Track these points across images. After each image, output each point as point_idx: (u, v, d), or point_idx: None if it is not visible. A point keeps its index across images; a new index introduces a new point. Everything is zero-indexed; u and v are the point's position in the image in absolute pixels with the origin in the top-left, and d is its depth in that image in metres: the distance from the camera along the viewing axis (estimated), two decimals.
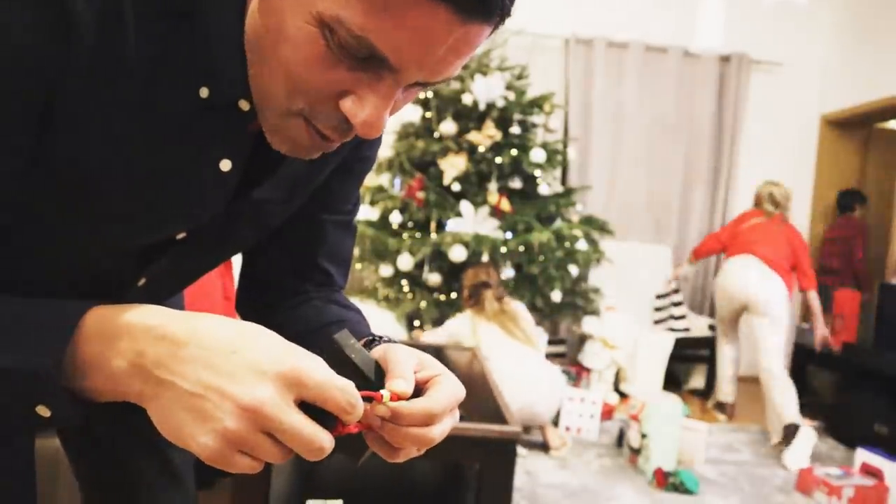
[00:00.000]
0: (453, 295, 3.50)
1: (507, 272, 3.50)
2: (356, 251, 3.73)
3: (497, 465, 1.54)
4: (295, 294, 0.77)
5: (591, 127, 4.65)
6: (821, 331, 3.55)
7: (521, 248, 3.44)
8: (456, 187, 3.65)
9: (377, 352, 0.55)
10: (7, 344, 0.42)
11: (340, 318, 0.72)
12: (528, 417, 2.78)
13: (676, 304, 4.38)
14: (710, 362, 4.25)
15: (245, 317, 0.80)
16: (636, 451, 2.76)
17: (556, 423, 3.07)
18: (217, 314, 0.45)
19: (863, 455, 2.69)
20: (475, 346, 2.83)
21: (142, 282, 0.64)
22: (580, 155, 4.58)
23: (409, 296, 3.54)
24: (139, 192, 0.54)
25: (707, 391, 4.24)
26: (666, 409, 2.69)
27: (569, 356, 4.14)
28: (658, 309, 4.47)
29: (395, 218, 3.62)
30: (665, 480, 2.57)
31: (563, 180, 4.59)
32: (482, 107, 3.66)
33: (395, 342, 0.59)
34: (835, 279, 4.41)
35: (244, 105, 0.54)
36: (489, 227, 3.54)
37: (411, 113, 3.74)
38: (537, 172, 3.77)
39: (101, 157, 0.50)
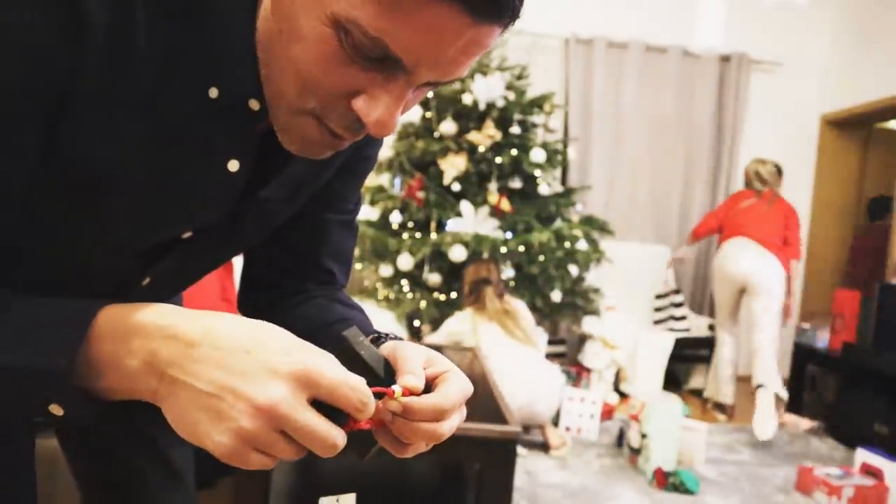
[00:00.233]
0: (453, 295, 3.50)
1: (507, 272, 3.50)
2: (356, 251, 3.73)
3: (497, 465, 1.54)
4: (298, 293, 0.77)
5: (591, 127, 4.65)
6: (786, 300, 3.64)
7: (521, 248, 3.44)
8: (456, 187, 3.65)
9: (385, 349, 0.56)
10: (21, 343, 0.42)
11: (344, 317, 0.72)
12: (528, 417, 2.78)
13: (676, 305, 4.38)
14: (710, 362, 4.25)
15: (248, 316, 0.80)
16: (636, 451, 2.76)
17: (556, 422, 3.07)
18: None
19: (863, 455, 2.69)
20: (475, 344, 2.83)
21: (146, 281, 0.64)
22: (580, 155, 4.58)
23: (409, 296, 3.54)
24: (147, 191, 0.54)
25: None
26: (666, 409, 2.69)
27: (569, 356, 4.14)
28: (658, 309, 4.47)
29: (395, 218, 3.62)
30: (665, 480, 2.57)
31: (563, 180, 4.59)
32: (482, 107, 3.66)
33: (401, 339, 0.59)
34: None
35: (254, 105, 0.54)
36: (489, 227, 3.54)
37: (411, 113, 3.74)
38: (537, 172, 3.77)
39: (110, 157, 0.50)
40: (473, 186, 3.68)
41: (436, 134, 3.72)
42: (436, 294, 3.52)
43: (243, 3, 0.51)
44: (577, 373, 3.80)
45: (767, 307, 3.52)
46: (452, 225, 3.51)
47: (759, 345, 3.50)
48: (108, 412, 0.46)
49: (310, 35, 0.46)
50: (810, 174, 4.90)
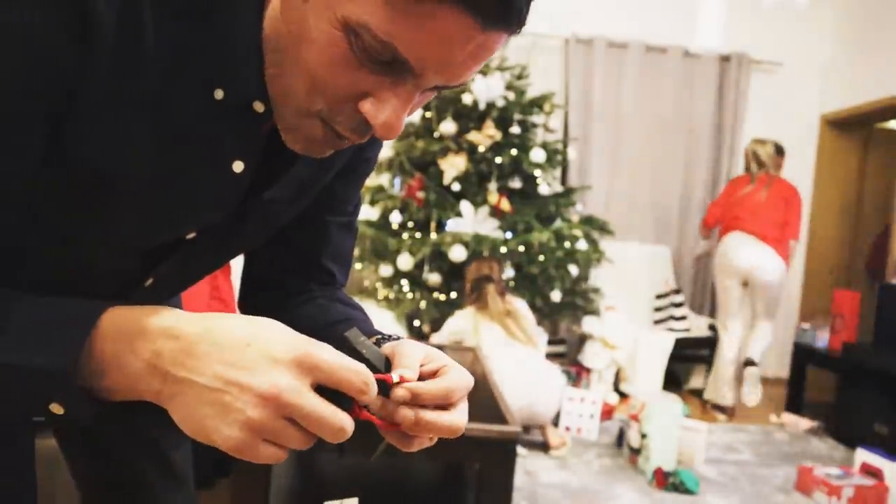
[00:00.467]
0: (453, 295, 3.50)
1: (508, 272, 3.50)
2: (356, 251, 3.74)
3: (497, 465, 1.54)
4: (299, 293, 0.78)
5: (591, 127, 4.65)
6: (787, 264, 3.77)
7: (521, 248, 3.44)
8: (456, 187, 3.65)
9: (386, 349, 0.57)
10: (24, 342, 0.43)
11: (346, 317, 0.73)
12: (529, 417, 2.78)
13: (676, 305, 4.38)
14: (711, 362, 4.25)
15: (248, 312, 0.81)
16: (636, 451, 2.76)
17: (555, 423, 3.07)
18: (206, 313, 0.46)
19: (863, 455, 2.69)
20: (476, 344, 2.83)
21: (149, 281, 0.64)
22: (580, 155, 4.58)
23: (409, 296, 3.54)
24: (152, 192, 0.54)
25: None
26: (666, 409, 2.69)
27: (569, 356, 4.14)
28: (658, 309, 4.47)
29: (395, 218, 3.62)
30: (665, 480, 2.57)
31: (563, 180, 4.59)
32: (482, 107, 3.66)
33: (402, 339, 0.60)
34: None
35: (259, 107, 0.54)
36: (489, 227, 3.54)
37: None
38: (537, 172, 3.77)
39: (116, 157, 0.51)
40: (473, 186, 3.67)
41: (436, 134, 3.72)
42: (436, 294, 3.52)
43: (250, 4, 0.52)
44: (577, 373, 3.80)
45: (767, 301, 3.71)
46: (452, 225, 3.51)
47: (758, 333, 3.75)
48: (107, 412, 0.46)
49: (320, 38, 0.47)
50: (810, 174, 4.90)
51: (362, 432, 0.50)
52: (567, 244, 3.60)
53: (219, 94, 0.52)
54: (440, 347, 2.68)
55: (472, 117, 3.71)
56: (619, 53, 4.67)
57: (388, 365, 0.54)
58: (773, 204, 3.70)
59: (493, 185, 3.65)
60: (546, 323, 3.80)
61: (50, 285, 0.54)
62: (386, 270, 3.62)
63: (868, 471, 2.64)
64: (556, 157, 3.89)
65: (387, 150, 3.92)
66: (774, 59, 4.81)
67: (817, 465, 2.75)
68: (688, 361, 4.33)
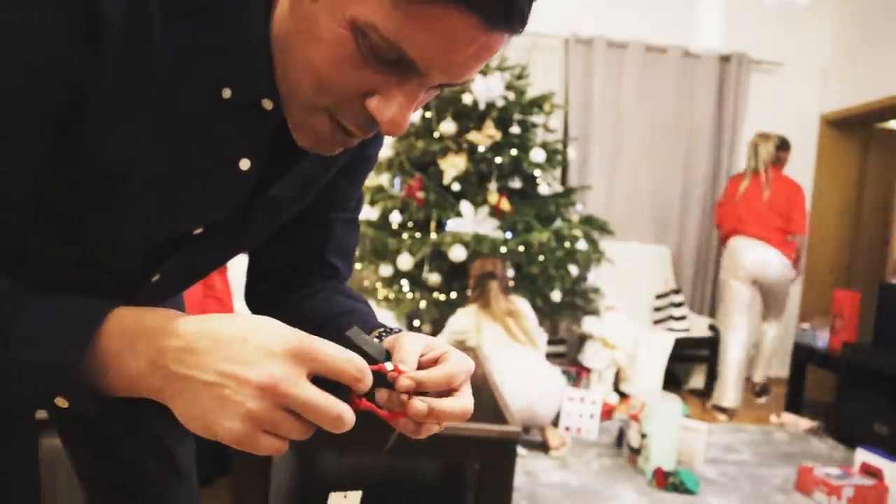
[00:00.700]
0: (453, 295, 3.50)
1: (509, 271, 3.51)
2: (356, 251, 3.73)
3: (497, 465, 1.54)
4: (303, 287, 0.80)
5: (591, 127, 4.65)
6: (795, 274, 3.88)
7: (521, 248, 3.44)
8: (456, 187, 3.65)
9: (388, 342, 0.59)
10: (32, 339, 0.44)
11: (350, 309, 0.74)
12: (529, 418, 2.78)
13: (676, 305, 4.38)
14: (710, 362, 4.25)
15: (255, 311, 0.82)
16: (636, 451, 2.76)
17: (555, 423, 3.07)
18: (199, 306, 0.47)
19: (862, 455, 2.69)
20: (478, 344, 2.83)
21: (156, 278, 0.65)
22: (580, 155, 4.58)
23: (409, 296, 3.54)
24: (160, 189, 0.55)
25: (707, 391, 4.24)
26: (666, 409, 2.69)
27: (569, 356, 4.14)
28: (658, 309, 4.47)
29: (395, 218, 3.62)
30: (665, 480, 2.57)
31: (563, 180, 4.59)
32: (482, 107, 3.66)
33: (403, 332, 0.62)
34: None
35: (267, 104, 0.55)
36: (489, 227, 3.54)
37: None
38: (537, 172, 3.77)
39: (124, 156, 0.52)
40: (473, 186, 3.67)
41: (436, 134, 3.72)
42: (435, 294, 3.52)
43: (258, 4, 0.53)
44: (577, 373, 3.80)
45: (776, 302, 3.84)
46: (452, 225, 3.51)
47: (767, 335, 3.95)
48: (111, 407, 0.48)
49: (328, 37, 0.48)
50: (810, 174, 4.90)
51: (364, 430, 0.52)
52: (567, 244, 3.60)
53: (226, 92, 0.53)
54: None
55: (472, 117, 3.71)
56: (619, 53, 4.67)
57: (389, 359, 0.55)
58: (775, 203, 3.73)
59: (493, 185, 3.65)
60: (546, 323, 3.80)
61: (59, 281, 0.55)
62: (386, 270, 3.62)
63: (868, 471, 2.64)
64: (556, 157, 3.89)
65: (387, 150, 3.92)
66: (774, 59, 4.81)
67: (817, 465, 2.75)
68: (688, 361, 4.33)
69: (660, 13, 4.73)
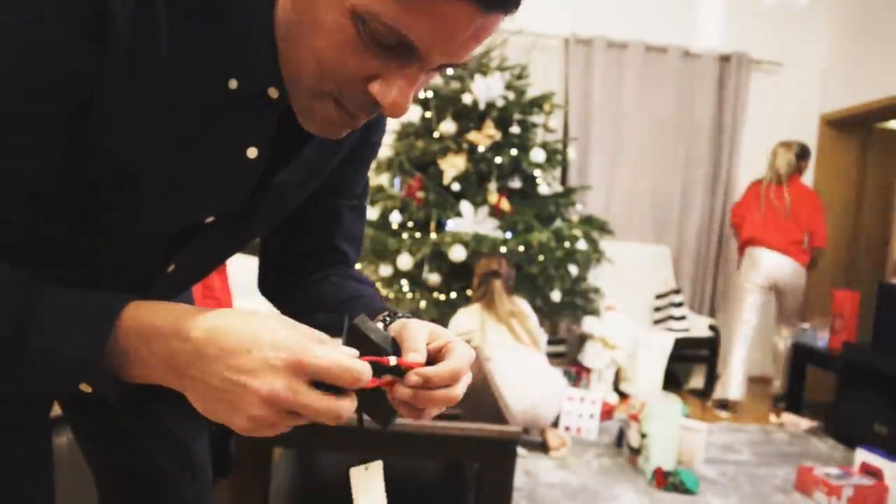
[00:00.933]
0: (453, 295, 3.50)
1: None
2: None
3: (497, 465, 1.54)
4: (314, 273, 0.83)
5: (591, 127, 4.65)
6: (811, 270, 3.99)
7: (521, 248, 3.44)
8: (456, 187, 3.65)
9: (394, 327, 0.62)
10: (55, 332, 0.48)
11: (358, 294, 0.77)
12: (531, 420, 2.78)
13: (676, 305, 4.38)
14: (710, 362, 4.25)
15: (268, 296, 0.86)
16: (636, 451, 2.76)
17: (555, 423, 3.07)
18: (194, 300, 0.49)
19: (862, 455, 2.69)
20: (481, 344, 2.82)
21: (171, 268, 0.68)
22: (580, 155, 4.58)
23: (409, 296, 3.54)
24: (172, 179, 0.57)
25: (707, 391, 4.24)
26: (666, 409, 2.69)
27: (569, 356, 4.14)
28: (658, 309, 4.47)
29: (395, 218, 3.62)
30: (665, 480, 2.57)
31: (563, 180, 4.59)
32: (482, 106, 3.66)
33: (409, 317, 0.65)
34: None
35: (273, 93, 0.57)
36: (489, 227, 3.54)
37: (411, 113, 3.74)
38: (537, 172, 3.77)
39: (136, 150, 0.54)
40: (473, 186, 3.67)
41: (435, 134, 3.72)
42: (435, 294, 3.52)
43: (262, 1, 0.54)
44: (576, 373, 3.80)
45: (789, 308, 3.95)
46: (452, 225, 3.51)
47: (779, 340, 4.04)
48: (131, 392, 0.51)
49: (330, 25, 0.50)
50: (810, 174, 4.90)
51: (380, 406, 0.58)
52: (567, 244, 3.60)
53: (233, 84, 0.55)
54: None
55: (471, 117, 3.71)
56: (619, 53, 4.67)
57: (394, 345, 0.58)
58: (797, 216, 3.85)
59: (492, 185, 3.65)
60: (546, 323, 3.80)
61: (77, 273, 0.59)
62: (386, 270, 3.62)
63: (868, 471, 2.64)
64: (555, 157, 3.89)
65: (387, 150, 3.92)
66: (774, 59, 4.81)
67: (817, 465, 2.75)
68: (688, 361, 4.33)
69: (660, 13, 4.73)
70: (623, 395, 3.86)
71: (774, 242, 3.88)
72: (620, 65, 4.68)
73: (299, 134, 0.60)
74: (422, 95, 3.76)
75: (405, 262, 3.44)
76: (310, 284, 0.81)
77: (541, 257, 3.49)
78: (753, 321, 3.96)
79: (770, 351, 4.39)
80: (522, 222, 3.55)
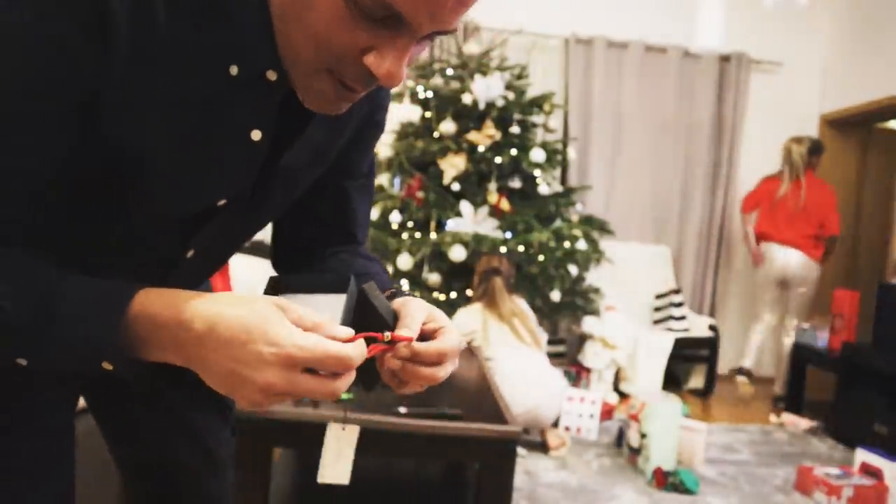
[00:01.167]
0: (453, 294, 3.50)
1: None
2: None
3: (497, 465, 1.54)
4: (324, 252, 0.86)
5: (591, 127, 4.65)
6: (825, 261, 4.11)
7: (521, 248, 3.44)
8: (455, 187, 3.64)
9: (397, 303, 0.66)
10: (74, 318, 0.52)
11: (366, 271, 0.81)
12: (532, 420, 2.78)
13: (676, 305, 4.38)
14: (710, 362, 4.25)
15: (283, 271, 0.90)
16: (636, 451, 2.76)
17: (555, 423, 3.07)
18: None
19: (862, 455, 2.69)
20: (483, 344, 2.82)
21: (190, 253, 0.70)
22: (580, 155, 4.58)
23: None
24: (182, 166, 0.60)
25: (707, 391, 4.24)
26: (666, 409, 2.69)
27: (568, 356, 4.14)
28: (658, 309, 4.47)
29: (395, 218, 3.62)
30: (665, 480, 2.57)
31: (563, 180, 4.59)
32: (482, 106, 3.66)
33: (411, 298, 0.69)
34: None
35: (272, 75, 0.59)
36: (489, 227, 3.54)
37: (411, 113, 3.74)
38: (537, 172, 3.77)
39: (144, 139, 0.57)
40: (473, 186, 3.67)
41: (435, 134, 3.72)
42: (435, 294, 3.52)
43: None
44: (576, 373, 3.80)
45: (800, 301, 4.07)
46: (452, 225, 3.51)
47: (784, 338, 4.12)
48: (148, 370, 0.56)
49: (321, 3, 0.52)
50: None
51: (368, 372, 0.63)
52: (567, 244, 3.60)
53: (233, 70, 0.57)
54: None
55: (471, 117, 3.71)
56: (619, 53, 4.67)
57: (395, 317, 0.63)
58: (810, 210, 3.97)
59: (492, 185, 3.65)
60: (546, 323, 3.80)
61: (100, 261, 0.63)
62: None
63: (868, 471, 2.64)
64: (555, 157, 3.88)
65: (387, 150, 3.92)
66: (774, 59, 4.81)
67: (817, 465, 2.75)
68: (688, 361, 4.33)
69: (660, 13, 4.73)
70: (623, 395, 3.86)
71: (785, 237, 4.02)
72: (620, 65, 4.68)
73: (301, 115, 0.63)
74: (422, 95, 3.77)
75: (405, 262, 3.44)
76: (320, 262, 0.85)
77: (541, 257, 3.49)
78: (768, 316, 4.17)
79: (769, 351, 4.40)
80: (522, 222, 3.55)
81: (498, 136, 3.64)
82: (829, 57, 4.83)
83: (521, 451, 2.82)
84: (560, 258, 3.57)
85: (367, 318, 0.59)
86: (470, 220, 3.53)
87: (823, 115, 4.84)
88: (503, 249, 3.37)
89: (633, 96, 4.68)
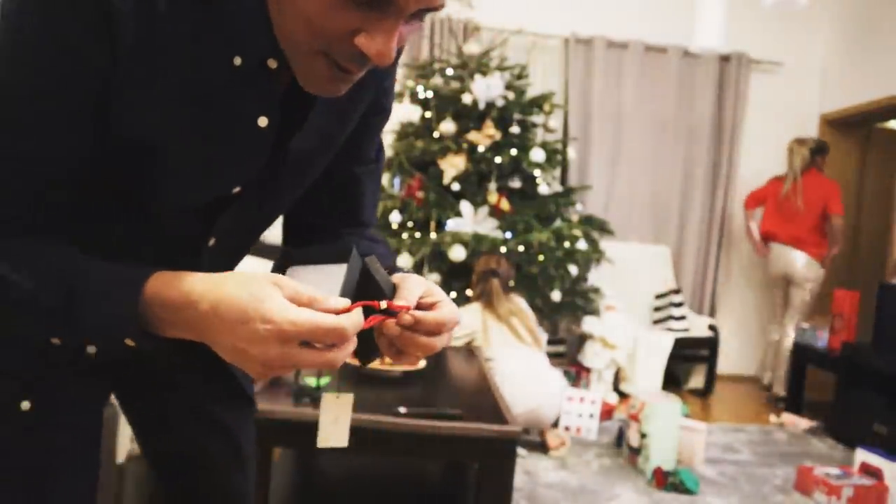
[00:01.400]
0: (453, 294, 3.49)
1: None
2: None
3: (497, 465, 1.54)
4: (334, 233, 0.88)
5: (591, 127, 4.65)
6: (832, 252, 4.12)
7: (521, 248, 3.44)
8: (455, 187, 3.64)
9: (396, 278, 0.69)
10: (97, 301, 0.56)
11: (372, 252, 0.81)
12: (533, 420, 2.78)
13: (676, 305, 4.38)
14: (710, 362, 4.25)
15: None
16: (636, 451, 2.76)
17: (555, 423, 3.07)
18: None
19: (862, 455, 2.69)
20: (483, 344, 2.82)
21: (212, 242, 0.73)
22: (580, 155, 4.58)
23: None
24: (194, 154, 0.63)
25: (707, 391, 4.24)
26: (666, 409, 2.69)
27: (568, 356, 4.14)
28: (658, 309, 4.47)
29: (395, 217, 3.62)
30: (664, 480, 2.57)
31: (563, 180, 4.59)
32: (482, 106, 3.66)
33: (411, 274, 0.71)
34: None
35: (272, 63, 0.62)
36: (489, 227, 3.54)
37: (411, 113, 3.74)
38: (537, 172, 3.77)
39: (156, 129, 0.60)
40: (473, 186, 3.67)
41: (435, 134, 3.72)
42: None
43: None
44: (576, 373, 3.80)
45: (802, 296, 4.11)
46: (452, 225, 3.51)
47: (787, 330, 4.16)
48: (166, 346, 0.60)
49: None
50: None
51: (366, 345, 0.65)
52: (567, 244, 3.60)
53: (237, 61, 0.60)
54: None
55: (471, 117, 3.71)
56: (618, 53, 4.67)
57: (394, 291, 0.66)
58: (810, 207, 4.01)
59: (492, 185, 3.65)
60: (546, 323, 3.80)
61: (126, 252, 0.66)
62: None
63: (867, 471, 2.64)
64: (555, 157, 3.88)
65: (387, 150, 3.92)
66: (774, 59, 4.81)
67: (817, 465, 2.75)
68: (688, 361, 4.34)
69: (660, 13, 4.73)
70: (623, 395, 3.86)
71: (787, 236, 4.09)
72: (620, 65, 4.68)
73: (305, 102, 0.67)
74: (422, 95, 3.77)
75: (405, 262, 3.44)
76: (331, 241, 0.87)
77: (541, 257, 3.49)
78: (778, 312, 4.28)
79: (766, 351, 4.40)
80: (522, 222, 3.55)
81: (498, 136, 3.64)
82: (829, 57, 4.83)
83: (521, 451, 2.83)
84: (560, 258, 3.57)
85: (368, 291, 0.62)
86: (470, 220, 3.53)
87: (823, 115, 4.84)
88: (503, 249, 3.37)
89: (633, 96, 4.68)
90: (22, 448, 0.71)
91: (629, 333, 3.92)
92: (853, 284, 4.56)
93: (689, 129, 4.78)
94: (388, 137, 3.95)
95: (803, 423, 3.61)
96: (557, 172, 4.42)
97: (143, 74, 0.57)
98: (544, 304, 3.64)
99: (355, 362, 0.71)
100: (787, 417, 3.69)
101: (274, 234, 0.94)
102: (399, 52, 0.74)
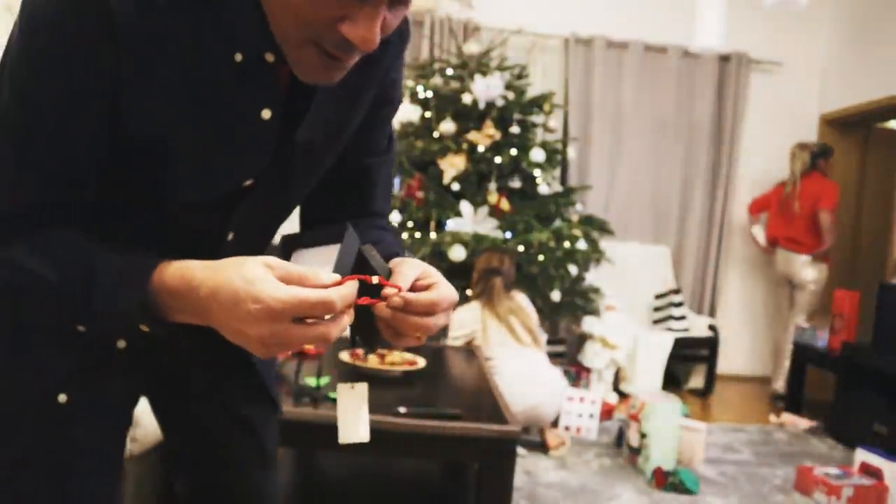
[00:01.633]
0: None
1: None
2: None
3: (497, 464, 1.54)
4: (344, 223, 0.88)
5: (591, 127, 4.65)
6: (823, 247, 4.12)
7: (521, 248, 3.44)
8: (455, 187, 3.64)
9: (394, 262, 0.70)
10: (111, 289, 0.60)
11: (380, 240, 0.84)
12: (533, 419, 2.78)
13: (676, 305, 4.38)
14: (710, 362, 4.25)
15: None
16: (636, 451, 2.76)
17: (555, 423, 3.07)
18: None
19: (862, 455, 2.69)
20: (482, 343, 2.82)
21: (230, 236, 0.76)
22: (580, 155, 4.58)
23: None
24: (202, 147, 0.66)
25: (707, 391, 4.24)
26: (665, 408, 2.69)
27: (568, 356, 4.14)
28: (658, 309, 4.47)
29: (395, 217, 3.62)
30: (664, 480, 2.57)
31: (563, 180, 4.59)
32: (482, 106, 3.66)
33: (408, 258, 0.72)
34: None
35: (269, 57, 0.65)
36: (489, 227, 3.54)
37: (411, 113, 3.74)
38: (537, 172, 3.77)
39: (163, 126, 0.63)
40: (473, 186, 3.67)
41: (435, 134, 3.72)
42: None
43: None
44: (576, 372, 3.80)
45: (805, 297, 4.17)
46: (452, 225, 3.51)
47: (790, 330, 4.19)
48: (177, 331, 0.63)
49: None
50: None
51: (367, 331, 0.68)
52: (567, 244, 3.59)
53: (238, 57, 0.63)
54: (436, 347, 2.68)
55: (471, 117, 3.71)
56: (618, 53, 4.67)
57: (390, 275, 0.67)
58: (804, 211, 4.05)
59: (492, 185, 3.65)
60: (546, 323, 3.80)
61: (150, 249, 0.67)
62: None
63: (867, 470, 2.64)
64: (555, 157, 3.88)
65: None
66: (774, 59, 4.81)
67: (817, 465, 2.75)
68: (688, 361, 4.34)
69: (660, 13, 4.73)
70: (623, 395, 3.86)
71: (787, 239, 4.15)
72: (620, 65, 4.68)
73: (306, 94, 0.69)
74: (422, 95, 3.77)
75: None
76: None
77: (541, 257, 3.49)
78: (784, 313, 4.32)
79: (767, 349, 4.40)
80: (522, 222, 3.55)
81: (498, 135, 3.64)
82: (829, 57, 4.83)
83: (520, 450, 2.83)
84: (560, 258, 3.57)
85: (364, 274, 0.64)
86: (470, 220, 3.53)
87: (823, 115, 4.84)
88: None
89: (633, 96, 4.68)
90: (51, 442, 0.73)
91: (629, 333, 3.92)
92: (853, 284, 4.55)
93: (689, 129, 4.78)
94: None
95: (803, 423, 3.61)
96: (557, 172, 4.42)
97: (145, 73, 0.60)
98: (544, 304, 3.64)
99: (359, 351, 0.72)
100: (787, 417, 3.69)
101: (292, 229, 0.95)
102: (403, 41, 0.79)
